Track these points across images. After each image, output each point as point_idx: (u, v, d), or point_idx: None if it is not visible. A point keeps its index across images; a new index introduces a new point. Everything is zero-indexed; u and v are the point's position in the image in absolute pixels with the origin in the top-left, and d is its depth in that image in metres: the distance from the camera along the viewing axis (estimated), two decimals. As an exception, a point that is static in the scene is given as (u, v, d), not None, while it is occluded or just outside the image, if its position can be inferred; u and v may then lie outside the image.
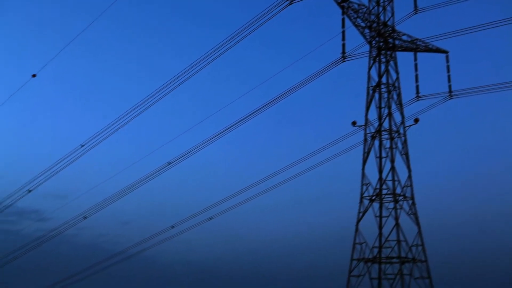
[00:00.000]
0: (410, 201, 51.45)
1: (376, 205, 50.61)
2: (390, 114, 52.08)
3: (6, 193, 52.74)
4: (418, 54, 57.00)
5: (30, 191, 50.75)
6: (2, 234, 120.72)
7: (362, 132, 52.71)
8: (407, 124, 53.20)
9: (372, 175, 51.30)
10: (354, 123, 52.92)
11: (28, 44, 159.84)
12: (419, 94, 56.26)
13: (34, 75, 50.29)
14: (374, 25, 53.02)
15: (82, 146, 48.98)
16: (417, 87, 56.52)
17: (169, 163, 50.67)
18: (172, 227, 53.14)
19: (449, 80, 56.97)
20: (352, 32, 52.72)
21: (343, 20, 51.55)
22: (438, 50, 57.59)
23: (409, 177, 51.95)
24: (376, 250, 49.38)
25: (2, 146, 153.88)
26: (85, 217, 52.54)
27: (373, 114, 52.42)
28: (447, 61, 57.60)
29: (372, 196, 50.75)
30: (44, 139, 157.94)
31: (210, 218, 53.68)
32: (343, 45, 52.11)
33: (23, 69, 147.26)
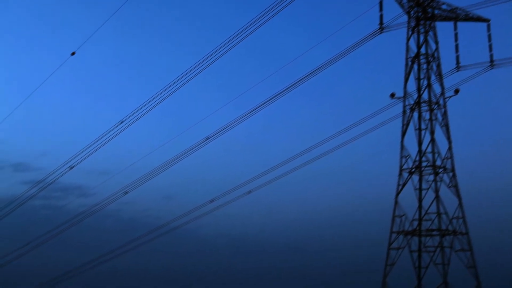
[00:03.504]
0: (451, 173, 50.89)
1: (415, 177, 50.26)
2: (429, 85, 51.31)
3: (49, 170, 53.82)
4: (458, 23, 55.75)
5: (72, 167, 51.62)
6: (48, 209, 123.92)
7: (401, 104, 52.19)
8: (447, 95, 52.38)
9: (412, 147, 50.91)
10: (392, 95, 52.32)
11: (67, 21, 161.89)
12: (460, 65, 55.21)
13: (73, 53, 50.77)
14: (413, -6, 52.02)
15: (122, 122, 49.50)
16: (457, 57, 55.44)
17: (208, 138, 51.01)
18: (211, 201, 53.64)
19: (490, 50, 55.62)
20: (390, 2, 51.98)
21: (380, -10, 50.92)
22: (479, 19, 56.15)
23: (450, 148, 51.29)
24: (416, 223, 49.14)
25: (45, 124, 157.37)
26: (125, 192, 53.33)
27: (412, 86, 51.82)
28: (489, 30, 56.13)
29: (412, 168, 50.33)
30: (84, 116, 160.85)
31: (249, 192, 53.99)
32: (381, 16, 51.55)
33: (63, 47, 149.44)
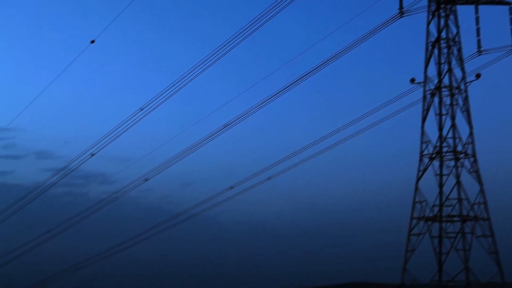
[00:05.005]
0: (472, 159, 50.48)
1: (436, 163, 49.92)
2: (450, 70, 50.77)
3: (72, 158, 54.18)
4: (480, 6, 54.89)
5: (93, 154, 51.90)
6: (70, 196, 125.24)
7: (421, 89, 51.76)
8: (468, 79, 51.81)
9: (432, 133, 50.55)
10: (412, 80, 51.90)
11: (86, 10, 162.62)
12: (481, 49, 54.37)
13: (92, 41, 50.86)
14: (433, -22, 51.37)
15: (141, 109, 49.62)
16: (478, 41, 54.60)
17: (227, 125, 51.00)
18: (231, 187, 53.68)
19: (512, 33, 54.75)
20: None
21: (400, -26, 50.33)
22: (500, 2, 55.25)
23: (471, 134, 50.85)
24: (436, 209, 48.88)
25: (67, 112, 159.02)
26: (146, 180, 53.55)
27: (432, 71, 51.32)
28: (510, 13, 55.20)
29: (432, 154, 50.00)
30: (105, 104, 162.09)
31: (269, 179, 53.97)
32: (401, 0, 50.97)
33: (82, 35, 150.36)
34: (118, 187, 56.62)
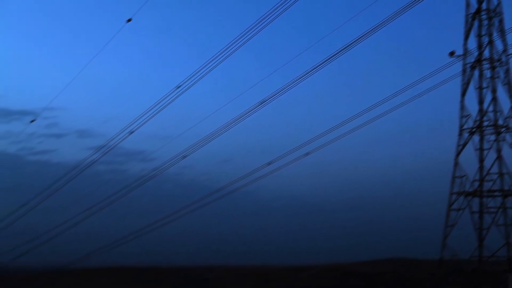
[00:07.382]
0: (513, 133, 49.63)
1: (476, 137, 49.21)
2: (491, 42, 49.69)
3: (111, 135, 54.80)
4: (522, -24, 53.51)
5: (132, 132, 52.33)
6: (111, 174, 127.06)
7: (461, 62, 50.82)
8: (510, 52, 50.63)
9: (472, 106, 49.75)
10: (452, 53, 50.98)
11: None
12: (523, 19, 53.07)
13: (129, 20, 51.12)
14: None
15: (179, 87, 49.81)
16: (520, 12, 53.28)
17: (263, 101, 50.88)
18: (269, 163, 53.67)
19: (556, 3, 53.23)
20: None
21: None
22: (544, -29, 53.75)
23: (512, 107, 49.93)
24: (476, 184, 48.28)
25: (107, 91, 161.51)
26: (184, 157, 53.85)
27: (472, 43, 50.31)
28: (554, -18, 53.73)
29: (472, 128, 49.27)
30: (143, 82, 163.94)
31: (307, 154, 53.82)
32: (440, -29, 49.94)
33: (119, 14, 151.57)
34: (157, 164, 57.13)
